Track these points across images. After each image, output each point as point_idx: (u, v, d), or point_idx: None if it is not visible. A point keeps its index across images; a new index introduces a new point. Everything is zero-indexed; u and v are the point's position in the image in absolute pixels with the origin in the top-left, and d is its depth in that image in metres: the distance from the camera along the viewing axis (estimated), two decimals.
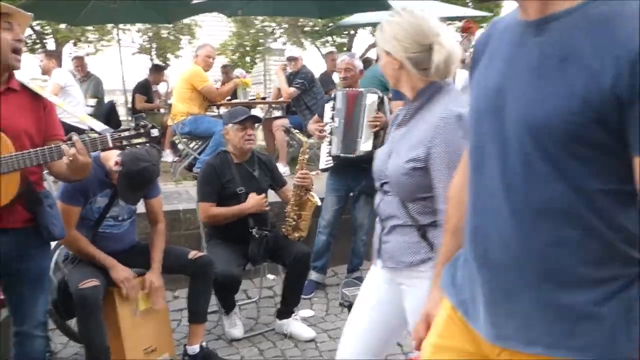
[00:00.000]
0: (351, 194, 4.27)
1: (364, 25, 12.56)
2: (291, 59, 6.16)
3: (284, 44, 24.53)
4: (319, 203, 3.58)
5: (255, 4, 7.24)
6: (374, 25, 15.43)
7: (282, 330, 3.56)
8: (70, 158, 2.14)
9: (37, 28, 18.06)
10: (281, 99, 6.45)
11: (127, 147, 2.31)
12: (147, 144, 2.35)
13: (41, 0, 6.87)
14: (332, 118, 4.12)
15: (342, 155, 4.02)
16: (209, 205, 3.47)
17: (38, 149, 2.18)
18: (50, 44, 19.98)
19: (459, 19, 8.07)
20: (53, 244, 3.12)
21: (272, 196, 3.79)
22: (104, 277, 2.89)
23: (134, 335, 3.00)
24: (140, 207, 3.21)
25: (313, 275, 4.29)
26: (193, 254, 3.16)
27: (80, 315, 2.79)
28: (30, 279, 2.41)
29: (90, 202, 2.96)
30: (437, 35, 1.75)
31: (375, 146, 3.96)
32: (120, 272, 2.91)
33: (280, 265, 3.79)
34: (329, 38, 21.48)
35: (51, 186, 3.31)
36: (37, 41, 19.42)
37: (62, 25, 16.21)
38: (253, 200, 3.44)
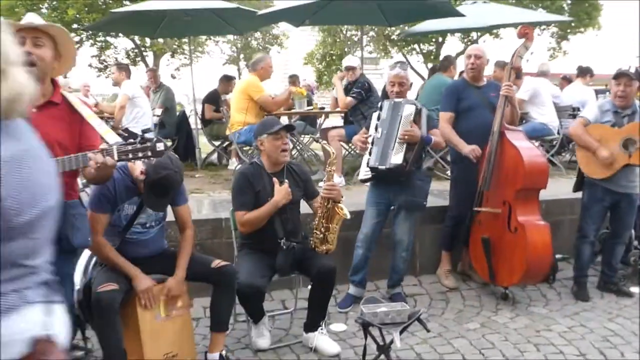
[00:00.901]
0: (392, 207, 4.14)
1: (434, 33, 12.27)
2: (349, 69, 6.10)
3: (370, 52, 24.64)
4: (348, 216, 3.49)
5: (322, 13, 7.28)
6: (462, 31, 15.06)
7: (308, 343, 3.50)
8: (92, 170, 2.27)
9: (138, 42, 19.37)
10: (338, 109, 6.40)
11: (133, 160, 2.37)
12: (152, 159, 2.39)
13: (122, 16, 7.33)
14: (376, 129, 4.03)
15: (378, 167, 3.92)
16: (242, 213, 3.48)
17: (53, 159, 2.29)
18: (150, 57, 21.34)
19: (538, 24, 7.67)
20: (87, 252, 3.29)
21: (304, 208, 3.75)
22: (125, 282, 2.97)
23: (154, 340, 3.04)
24: (170, 215, 3.28)
25: (351, 289, 4.21)
26: (216, 263, 3.18)
27: (96, 317, 2.88)
28: None
29: (119, 209, 3.06)
30: (9, 64, 1.24)
31: (407, 160, 3.82)
32: (142, 283, 2.98)
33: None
34: (416, 46, 21.31)
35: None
36: (137, 53, 20.81)
37: (160, 39, 17.23)
38: (279, 192, 3.41)
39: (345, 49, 23.45)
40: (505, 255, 4.16)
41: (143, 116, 6.35)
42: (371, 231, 4.12)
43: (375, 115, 4.12)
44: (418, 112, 3.90)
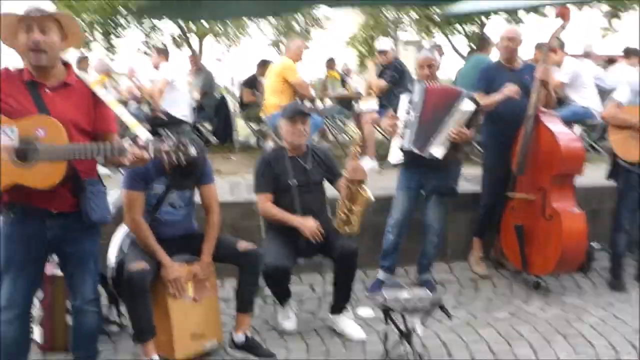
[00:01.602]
0: (422, 192, 4.11)
1: (476, 13, 11.86)
2: (382, 52, 6.04)
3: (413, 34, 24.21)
4: (372, 198, 3.48)
5: None
6: (506, 11, 14.57)
7: (334, 325, 3.54)
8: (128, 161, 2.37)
9: (183, 26, 19.62)
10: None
11: (166, 159, 2.41)
12: (184, 161, 2.44)
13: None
14: (408, 111, 3.98)
15: (413, 150, 3.88)
16: (264, 196, 3.55)
17: (87, 144, 2.39)
18: (194, 40, 21.61)
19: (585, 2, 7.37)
20: (123, 229, 3.40)
21: (329, 191, 3.77)
22: (156, 261, 3.07)
23: (182, 319, 3.14)
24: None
25: (380, 274, 4.21)
26: (242, 246, 3.24)
27: (126, 295, 3.00)
28: (78, 260, 2.65)
29: (149, 188, 3.16)
30: None
31: (447, 157, 3.78)
32: (171, 272, 3.07)
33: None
34: (460, 27, 20.81)
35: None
36: (182, 37, 21.11)
37: (204, 22, 17.38)
38: (306, 221, 3.44)
39: (388, 31, 23.13)
40: (539, 243, 4.08)
41: (182, 100, 6.48)
42: (402, 216, 4.09)
43: (404, 97, 4.08)
44: (475, 114, 3.85)
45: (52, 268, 3.18)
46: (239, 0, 7.08)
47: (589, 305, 3.96)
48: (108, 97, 2.58)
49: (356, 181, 3.45)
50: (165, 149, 2.35)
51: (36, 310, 3.26)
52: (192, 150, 2.38)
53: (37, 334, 3.28)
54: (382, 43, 6.23)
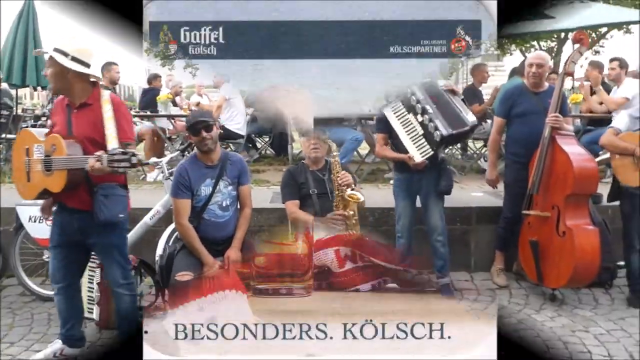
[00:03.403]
0: (418, 196, 4.43)
1: (525, 34, 11.75)
2: None
3: (487, 50, 23.98)
4: (362, 198, 3.85)
5: None
6: (554, 32, 14.13)
7: None
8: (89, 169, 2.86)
9: None
10: None
11: (117, 168, 2.82)
12: (130, 168, 2.85)
13: None
14: (422, 112, 4.21)
15: (455, 132, 4.13)
16: (292, 203, 4.00)
17: (70, 157, 2.91)
18: None
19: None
20: (170, 228, 3.98)
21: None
22: (200, 268, 3.56)
23: None
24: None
25: None
26: None
27: (170, 295, 3.48)
28: (103, 250, 3.24)
29: (196, 193, 3.67)
30: None
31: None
32: (212, 271, 3.52)
33: None
34: (535, 43, 20.41)
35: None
36: None
37: None
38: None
39: None
40: (553, 258, 4.25)
41: (237, 115, 7.12)
42: (408, 220, 4.39)
43: (389, 110, 4.39)
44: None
45: None
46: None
47: (600, 318, 4.08)
48: (108, 114, 3.00)
49: (343, 186, 3.82)
50: (115, 159, 2.78)
51: (94, 292, 3.86)
52: (134, 159, 2.78)
53: (95, 312, 3.86)
54: None
